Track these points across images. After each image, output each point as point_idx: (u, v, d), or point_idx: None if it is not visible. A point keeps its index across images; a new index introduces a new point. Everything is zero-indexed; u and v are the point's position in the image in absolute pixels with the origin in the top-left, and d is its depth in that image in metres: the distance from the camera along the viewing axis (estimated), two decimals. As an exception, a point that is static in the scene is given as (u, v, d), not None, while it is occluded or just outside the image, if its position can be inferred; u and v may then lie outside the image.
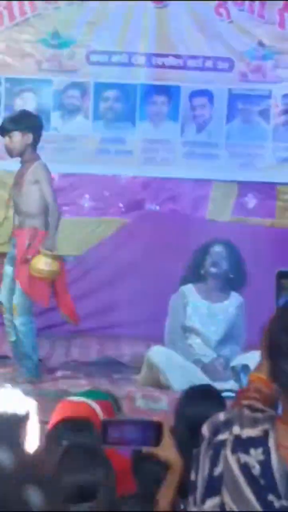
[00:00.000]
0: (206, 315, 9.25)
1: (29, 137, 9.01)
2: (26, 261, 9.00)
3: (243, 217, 11.43)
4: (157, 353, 9.07)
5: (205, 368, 8.93)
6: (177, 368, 8.85)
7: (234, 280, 9.27)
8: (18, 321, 8.98)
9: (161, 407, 7.66)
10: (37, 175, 9.07)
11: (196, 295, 9.29)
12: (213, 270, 9.18)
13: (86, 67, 11.37)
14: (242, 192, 11.50)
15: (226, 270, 9.24)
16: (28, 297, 8.99)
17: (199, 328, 9.21)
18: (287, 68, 11.53)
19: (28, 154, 9.08)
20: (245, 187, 11.52)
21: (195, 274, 9.32)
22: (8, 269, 9.24)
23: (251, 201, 11.48)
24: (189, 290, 9.30)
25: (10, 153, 9.22)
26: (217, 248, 9.25)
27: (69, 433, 4.86)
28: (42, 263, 8.90)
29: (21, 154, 9.13)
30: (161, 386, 8.77)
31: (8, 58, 11.23)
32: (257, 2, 11.47)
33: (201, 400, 5.54)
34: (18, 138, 9.03)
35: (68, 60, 11.33)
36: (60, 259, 9.24)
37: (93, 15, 11.42)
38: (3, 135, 9.21)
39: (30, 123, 9.15)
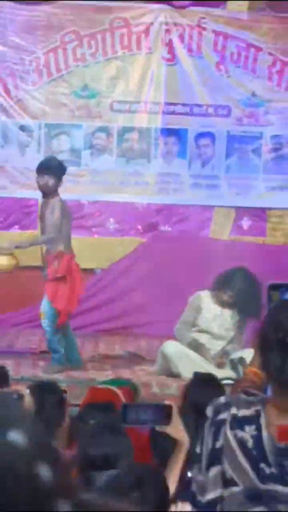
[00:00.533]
0: (218, 316, 9.07)
1: (54, 180, 9.16)
2: (55, 279, 9.11)
3: (239, 236, 11.25)
4: (169, 346, 8.99)
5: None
6: (185, 358, 8.78)
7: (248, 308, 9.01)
8: (44, 323, 9.07)
9: (172, 393, 7.41)
10: (54, 206, 9.20)
11: (210, 299, 9.12)
12: (229, 293, 9.04)
13: (110, 114, 11.18)
14: (238, 215, 11.37)
15: (243, 300, 9.07)
16: (51, 305, 9.04)
17: (211, 326, 9.06)
18: (275, 114, 11.34)
19: (51, 192, 9.20)
20: (241, 211, 11.38)
21: (216, 288, 9.15)
22: None
23: (246, 223, 11.32)
24: (205, 294, 9.16)
25: (40, 189, 9.33)
26: (238, 278, 9.14)
27: (96, 414, 4.89)
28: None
29: (45, 191, 9.24)
30: (172, 374, 8.72)
31: (47, 107, 11.09)
32: (250, 59, 11.22)
33: (204, 386, 5.51)
34: (46, 180, 9.16)
35: (95, 108, 11.17)
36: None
37: (115, 71, 11.22)
38: (37, 174, 9.31)
39: (56, 169, 9.28)
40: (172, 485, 4.02)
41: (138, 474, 3.78)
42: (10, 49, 11.02)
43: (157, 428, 4.31)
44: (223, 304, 9.18)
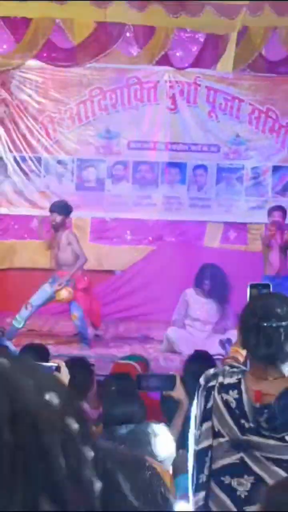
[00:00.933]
0: (203, 305, 9.25)
1: (61, 217, 9.29)
2: (83, 290, 9.30)
3: (226, 244, 11.42)
4: (172, 331, 9.18)
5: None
6: (184, 340, 8.93)
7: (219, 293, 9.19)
8: (77, 321, 9.17)
9: (176, 366, 7.34)
10: (69, 239, 9.31)
11: (194, 294, 9.29)
12: (206, 284, 9.22)
13: (127, 151, 11.32)
14: (226, 228, 11.53)
15: (215, 286, 9.19)
16: (80, 308, 9.16)
17: (198, 314, 9.24)
18: (254, 151, 11.45)
19: (60, 227, 9.33)
20: (227, 225, 11.54)
21: (197, 284, 9.29)
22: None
23: (231, 234, 11.51)
24: (191, 291, 9.30)
25: (52, 224, 9.46)
26: (208, 271, 9.27)
27: (116, 382, 4.86)
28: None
29: (55, 226, 9.37)
30: (175, 352, 8.87)
31: (78, 146, 11.22)
32: (235, 107, 11.33)
33: (200, 361, 5.57)
34: (55, 217, 9.29)
35: (115, 147, 11.31)
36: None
37: (130, 118, 11.27)
38: (50, 213, 9.44)
39: (64, 209, 9.40)
40: (175, 435, 4.07)
41: (147, 431, 3.78)
42: (50, 102, 11.09)
43: (164, 393, 4.61)
44: (204, 294, 9.27)
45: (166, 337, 9.28)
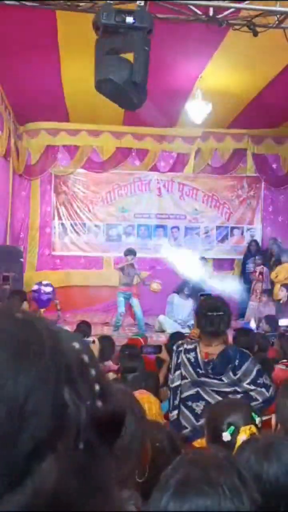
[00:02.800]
0: (182, 304, 9.00)
1: (133, 257, 8.98)
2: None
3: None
4: (161, 317, 8.99)
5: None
6: (169, 323, 8.70)
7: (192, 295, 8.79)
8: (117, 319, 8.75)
9: (163, 340, 6.59)
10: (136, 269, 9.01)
11: (178, 297, 9.09)
12: (186, 290, 9.04)
13: (133, 219, 11.17)
14: None
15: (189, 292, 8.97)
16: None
17: (180, 311, 9.00)
18: (205, 217, 11.22)
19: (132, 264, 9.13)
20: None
21: (180, 290, 9.17)
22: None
23: None
24: (173, 295, 9.11)
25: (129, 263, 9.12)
26: (190, 284, 9.03)
27: (128, 349, 4.69)
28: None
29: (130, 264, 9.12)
30: (162, 330, 8.63)
31: (106, 217, 11.02)
32: (194, 193, 11.14)
33: (176, 336, 5.19)
34: (128, 257, 9.07)
35: (127, 216, 11.12)
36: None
37: (135, 200, 11.10)
38: (125, 256, 9.17)
39: (133, 252, 9.14)
40: (161, 379, 4.14)
41: (146, 375, 3.85)
42: (90, 192, 10.96)
43: (156, 355, 4.65)
44: (184, 297, 8.96)
45: (158, 321, 9.03)
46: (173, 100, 8.58)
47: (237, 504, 0.87)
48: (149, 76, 7.20)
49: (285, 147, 11.04)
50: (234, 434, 1.67)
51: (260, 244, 11.13)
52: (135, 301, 8.95)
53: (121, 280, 9.02)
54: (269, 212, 11.49)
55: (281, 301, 9.09)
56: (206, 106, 8.16)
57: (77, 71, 6.95)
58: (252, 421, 1.73)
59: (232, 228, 11.46)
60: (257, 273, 10.02)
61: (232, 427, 1.69)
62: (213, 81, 7.78)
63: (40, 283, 8.80)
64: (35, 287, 8.72)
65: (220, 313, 2.93)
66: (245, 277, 10.65)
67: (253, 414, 1.76)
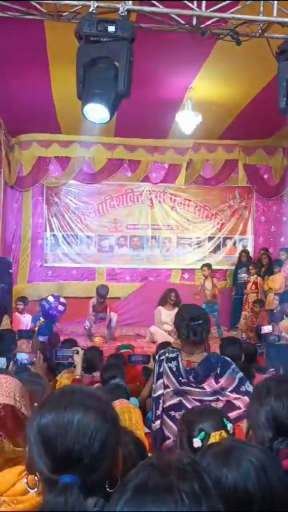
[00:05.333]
0: (170, 314, 8.53)
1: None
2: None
3: (184, 281, 10.99)
4: (153, 328, 8.91)
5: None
6: (161, 334, 8.54)
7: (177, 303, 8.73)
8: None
9: (153, 350, 6.94)
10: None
11: (164, 309, 8.98)
12: (172, 299, 8.96)
13: (126, 230, 11.08)
14: (182, 272, 11.18)
15: (175, 301, 8.89)
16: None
17: (167, 321, 8.71)
18: (197, 228, 11.20)
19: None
20: (184, 270, 11.18)
21: (164, 301, 9.05)
22: None
23: (186, 275, 11.13)
24: (160, 308, 9.00)
25: (102, 297, 9.31)
26: (172, 293, 9.05)
27: (113, 359, 4.79)
28: None
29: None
30: (154, 342, 8.37)
31: (98, 228, 10.97)
32: (186, 204, 11.13)
33: (164, 346, 4.85)
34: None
35: (119, 227, 11.08)
36: None
37: (127, 211, 11.07)
38: (101, 299, 9.36)
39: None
40: (148, 389, 4.06)
41: (121, 385, 3.74)
42: (82, 203, 10.93)
43: (144, 365, 4.68)
44: (170, 307, 8.86)
45: (149, 331, 9.00)
46: (163, 111, 8.60)
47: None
48: (139, 87, 7.23)
49: (276, 157, 11.06)
50: (205, 440, 1.65)
51: (252, 254, 11.12)
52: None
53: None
54: (261, 222, 11.47)
55: (274, 311, 9.10)
56: (196, 117, 8.20)
57: (67, 82, 6.93)
58: (224, 427, 1.71)
59: (225, 239, 11.45)
60: (250, 283, 9.98)
61: (203, 433, 1.68)
62: (202, 92, 7.81)
63: (58, 298, 8.28)
64: (51, 298, 8.24)
65: (201, 321, 2.91)
66: (237, 287, 10.61)
67: (224, 420, 1.74)
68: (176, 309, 8.07)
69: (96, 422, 1.14)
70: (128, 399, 3.54)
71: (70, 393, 1.20)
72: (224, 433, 1.63)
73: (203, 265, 10.00)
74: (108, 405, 1.25)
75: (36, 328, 7.60)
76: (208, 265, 9.97)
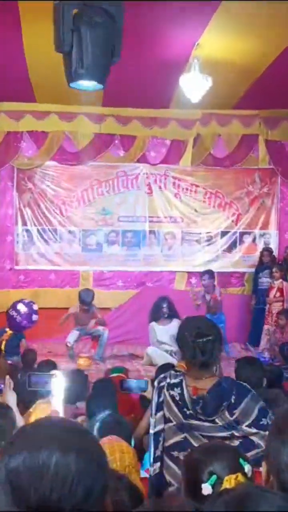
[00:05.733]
0: (166, 330, 8.83)
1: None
2: None
3: (190, 287, 10.75)
4: (150, 350, 8.99)
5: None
6: (161, 356, 8.54)
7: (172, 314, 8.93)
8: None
9: (151, 374, 6.38)
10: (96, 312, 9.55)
11: (158, 326, 9.00)
12: (164, 311, 9.01)
13: (118, 223, 11.23)
14: (189, 276, 11.31)
15: (169, 312, 9.00)
16: None
17: (164, 339, 8.84)
18: (207, 221, 11.33)
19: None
20: (190, 274, 11.28)
21: (156, 316, 9.09)
22: None
23: (193, 280, 11.14)
24: (153, 324, 9.02)
25: (86, 304, 9.48)
26: (164, 303, 9.07)
27: (100, 384, 4.78)
28: None
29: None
30: (153, 364, 8.42)
31: (82, 221, 11.12)
32: (193, 191, 11.28)
33: (165, 369, 5.00)
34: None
35: (109, 220, 11.24)
36: None
37: (120, 200, 11.20)
38: (84, 305, 9.52)
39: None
40: (147, 424, 3.85)
41: (116, 418, 3.73)
42: (62, 189, 11.02)
43: (140, 393, 4.53)
44: (165, 321, 8.95)
45: (146, 353, 9.10)
46: (164, 74, 8.60)
47: None
48: (134, 45, 7.27)
49: (306, 131, 11.23)
50: (217, 486, 1.64)
51: (276, 253, 11.20)
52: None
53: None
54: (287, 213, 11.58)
55: (303, 325, 9.12)
56: (205, 80, 8.21)
57: (43, 38, 6.95)
58: (240, 469, 1.69)
59: (242, 234, 11.56)
60: (274, 289, 10.06)
61: (214, 477, 1.66)
62: (213, 50, 7.80)
63: (30, 305, 8.45)
64: (21, 306, 8.35)
65: (210, 337, 2.91)
66: (258, 294, 10.71)
67: (241, 460, 1.73)
68: (173, 322, 8.83)
69: (79, 464, 1.12)
70: (130, 438, 3.55)
71: (46, 428, 1.19)
72: (240, 477, 1.62)
73: (203, 272, 10.13)
74: (93, 443, 1.23)
75: (3, 346, 7.69)
76: (209, 273, 10.06)
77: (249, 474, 1.71)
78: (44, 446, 1.11)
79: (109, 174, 11.29)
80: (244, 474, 1.68)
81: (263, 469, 1.62)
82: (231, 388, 2.89)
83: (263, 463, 1.63)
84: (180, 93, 8.81)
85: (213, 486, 1.65)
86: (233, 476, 1.63)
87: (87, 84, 4.75)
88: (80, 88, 4.75)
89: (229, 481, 1.61)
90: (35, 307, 8.57)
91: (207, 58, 8.00)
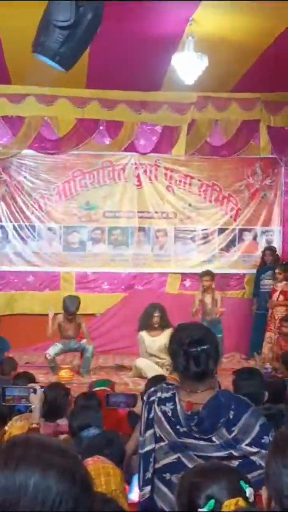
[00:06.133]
0: (155, 342, 8.97)
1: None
2: None
3: (184, 290, 11.17)
4: (139, 361, 9.06)
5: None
6: (152, 369, 8.63)
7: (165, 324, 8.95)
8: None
9: (141, 388, 6.76)
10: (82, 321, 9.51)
11: (147, 335, 9.08)
12: (156, 320, 9.08)
13: (103, 219, 11.25)
14: (183, 278, 11.35)
15: (161, 322, 9.05)
16: None
17: (153, 350, 8.95)
18: (203, 216, 11.35)
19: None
20: (184, 275, 11.33)
21: (146, 325, 9.16)
22: None
23: (187, 283, 11.30)
24: (142, 334, 9.09)
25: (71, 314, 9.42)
26: (156, 311, 9.13)
27: (83, 400, 4.70)
28: None
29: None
30: (142, 377, 8.49)
31: (64, 216, 11.14)
32: (187, 183, 11.32)
33: (156, 381, 5.03)
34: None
35: (94, 216, 11.24)
36: None
37: (105, 193, 11.21)
38: (69, 314, 9.44)
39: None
40: (135, 443, 3.90)
41: (107, 437, 3.73)
42: (41, 182, 11.03)
43: (128, 409, 4.50)
44: (156, 330, 9.03)
45: (134, 366, 9.15)
46: (155, 53, 8.61)
47: None
48: (120, 19, 7.26)
49: (312, 116, 11.27)
50: (215, 511, 1.64)
51: (279, 252, 11.21)
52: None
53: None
54: (292, 207, 11.64)
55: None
56: (200, 60, 8.22)
57: (17, 15, 6.95)
58: (241, 493, 1.70)
59: (241, 231, 11.59)
60: (277, 293, 10.09)
61: (212, 501, 1.66)
62: (209, 26, 7.81)
63: None
64: None
65: (206, 346, 2.89)
66: (259, 298, 10.75)
67: (242, 482, 1.73)
68: (165, 333, 8.80)
69: (60, 485, 1.12)
70: (122, 459, 3.53)
71: (24, 446, 1.18)
72: (241, 502, 1.62)
73: (204, 273, 10.17)
74: (76, 463, 1.23)
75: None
76: (211, 274, 10.13)
77: (251, 498, 1.71)
78: (22, 465, 1.11)
79: (94, 164, 11.27)
80: (246, 498, 1.68)
81: (263, 494, 1.63)
82: (229, 402, 2.87)
83: (263, 488, 1.63)
84: (172, 74, 8.82)
85: (211, 512, 1.66)
86: (234, 500, 1.63)
87: (51, 63, 4.80)
88: (42, 60, 4.82)
89: (229, 506, 1.61)
90: None
91: (202, 35, 7.99)
